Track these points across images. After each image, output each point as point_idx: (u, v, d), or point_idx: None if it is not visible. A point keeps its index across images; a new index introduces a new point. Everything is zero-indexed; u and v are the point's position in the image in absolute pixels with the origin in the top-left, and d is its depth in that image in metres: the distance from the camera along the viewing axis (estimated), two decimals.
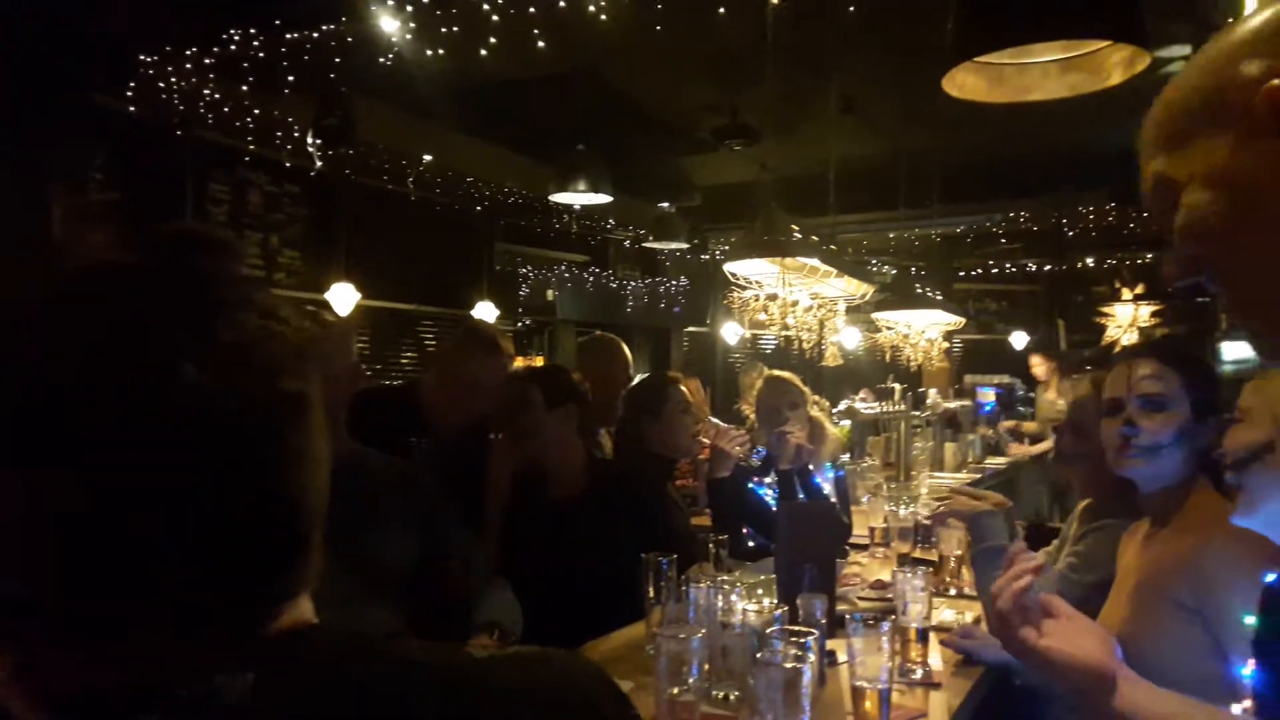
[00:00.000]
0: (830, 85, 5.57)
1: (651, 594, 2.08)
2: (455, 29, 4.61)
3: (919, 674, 1.90)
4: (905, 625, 1.94)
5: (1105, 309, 9.81)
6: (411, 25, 4.56)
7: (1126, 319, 9.67)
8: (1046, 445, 6.52)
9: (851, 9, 4.07)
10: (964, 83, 2.36)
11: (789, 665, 1.41)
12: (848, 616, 1.72)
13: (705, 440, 3.39)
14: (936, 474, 5.47)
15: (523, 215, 7.55)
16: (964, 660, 2.04)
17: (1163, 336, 7.75)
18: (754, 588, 2.11)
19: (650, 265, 9.24)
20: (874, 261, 10.12)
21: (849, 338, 8.07)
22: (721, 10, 4.22)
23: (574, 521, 2.39)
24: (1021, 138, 6.82)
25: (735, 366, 9.23)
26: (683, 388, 3.15)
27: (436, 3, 4.33)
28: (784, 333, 4.65)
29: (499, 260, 7.85)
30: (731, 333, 9.31)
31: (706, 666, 1.76)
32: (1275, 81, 0.57)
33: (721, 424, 3.82)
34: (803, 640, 1.56)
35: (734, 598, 1.97)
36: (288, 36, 4.81)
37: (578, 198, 5.51)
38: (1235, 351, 6.01)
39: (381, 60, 4.86)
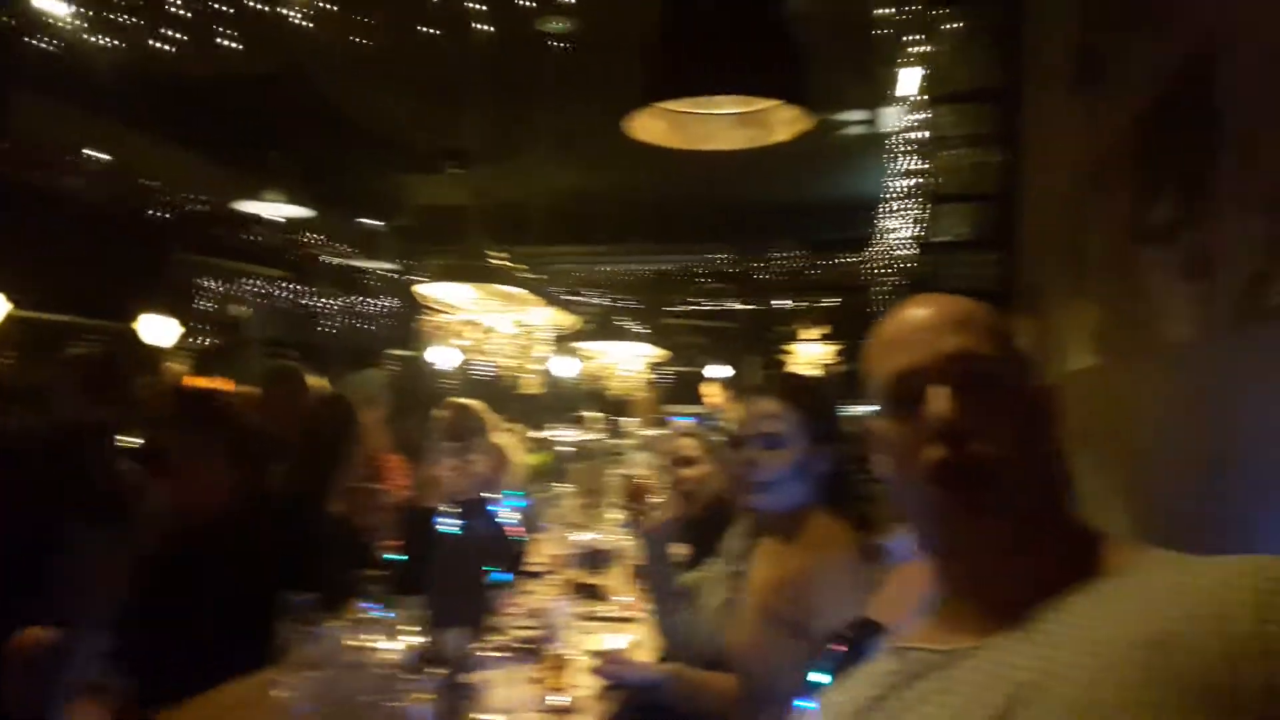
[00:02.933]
0: (545, 117, 5.65)
1: (286, 635, 1.93)
2: (131, 18, 4.19)
3: (558, 701, 1.90)
4: (552, 653, 1.94)
5: (791, 347, 10.67)
6: (78, 9, 4.09)
7: (810, 357, 10.57)
8: None
9: (557, 45, 4.15)
10: (649, 126, 2.46)
11: (401, 704, 1.35)
12: (481, 649, 1.69)
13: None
14: None
15: (210, 223, 6.99)
16: (612, 685, 2.07)
17: (788, 373, 8.55)
18: (404, 622, 2.03)
19: (354, 284, 8.85)
20: (588, 294, 10.41)
21: (560, 366, 8.19)
22: (427, 29, 4.15)
23: (211, 557, 2.18)
24: (722, 185, 7.30)
25: (447, 393, 9.07)
26: (362, 418, 3.04)
27: None
28: (482, 358, 4.62)
29: (180, 271, 7.20)
30: (442, 357, 9.14)
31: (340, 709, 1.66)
32: None
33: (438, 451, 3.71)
34: (431, 677, 1.52)
35: (376, 635, 1.89)
36: None
37: (271, 208, 5.19)
38: None
39: (42, 45, 4.32)
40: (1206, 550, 0.80)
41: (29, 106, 4.92)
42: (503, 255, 4.30)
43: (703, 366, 9.96)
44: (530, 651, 1.99)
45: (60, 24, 4.14)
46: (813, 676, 1.18)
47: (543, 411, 7.38)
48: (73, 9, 4.05)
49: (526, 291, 4.31)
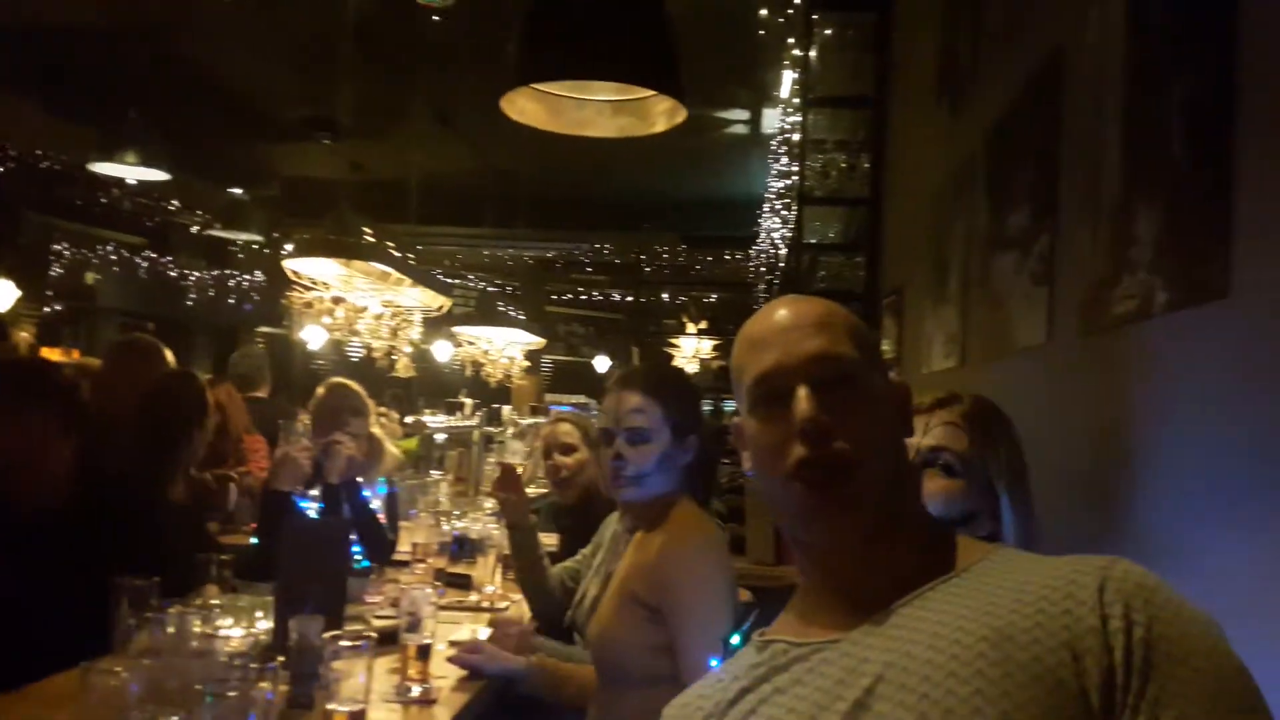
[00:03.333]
0: (423, 92, 5.51)
1: (126, 622, 1.82)
2: None
3: (415, 692, 1.85)
4: (406, 643, 1.88)
5: (673, 340, 10.79)
6: None
7: (691, 350, 10.70)
8: None
9: (435, 19, 4.04)
10: (524, 108, 2.41)
11: (233, 694, 1.29)
12: (338, 637, 1.63)
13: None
14: None
15: (61, 184, 6.52)
16: (469, 675, 2.03)
17: (657, 365, 8.81)
18: (253, 609, 1.95)
19: (219, 256, 8.43)
20: (470, 277, 10.23)
21: (439, 350, 8.00)
22: None
23: (42, 538, 2.04)
24: (607, 174, 7.28)
25: (319, 373, 8.77)
26: (213, 394, 2.89)
27: None
28: (350, 337, 4.47)
29: (26, 232, 6.69)
30: (314, 336, 8.83)
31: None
32: None
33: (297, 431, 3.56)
34: (280, 665, 1.46)
35: (223, 622, 1.80)
36: None
37: (127, 171, 4.87)
38: None
39: None
40: (1051, 546, 0.84)
41: None
42: (370, 232, 4.15)
43: (590, 357, 9.96)
44: (391, 640, 1.93)
45: None
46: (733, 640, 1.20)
47: (417, 396, 7.22)
48: None
49: (396, 270, 4.18)
